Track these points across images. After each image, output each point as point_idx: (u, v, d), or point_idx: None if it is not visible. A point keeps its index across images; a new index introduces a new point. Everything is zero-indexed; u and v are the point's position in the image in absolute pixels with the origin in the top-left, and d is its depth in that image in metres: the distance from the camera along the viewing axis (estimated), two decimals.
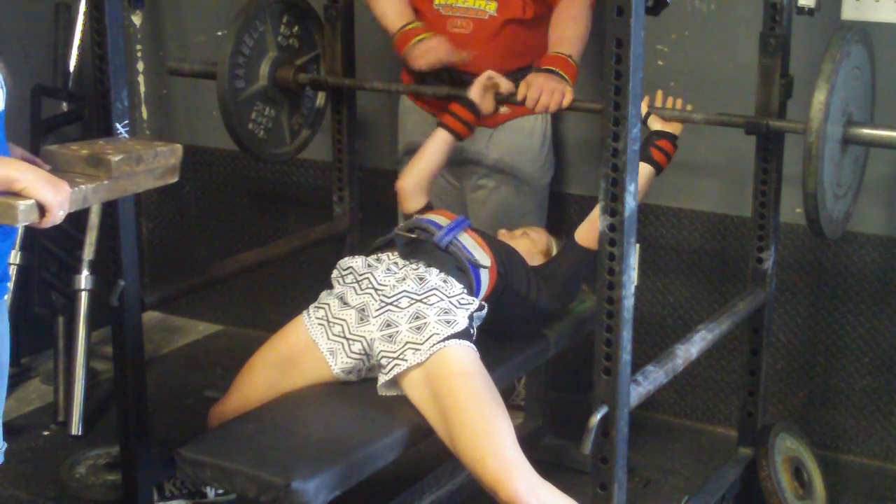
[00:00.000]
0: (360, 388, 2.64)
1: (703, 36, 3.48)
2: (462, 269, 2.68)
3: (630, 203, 2.18)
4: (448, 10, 3.27)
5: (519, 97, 3.07)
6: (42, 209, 1.97)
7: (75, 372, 3.60)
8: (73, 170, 2.23)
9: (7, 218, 1.94)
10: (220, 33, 4.09)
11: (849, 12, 3.25)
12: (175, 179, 2.47)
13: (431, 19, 3.31)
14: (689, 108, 2.95)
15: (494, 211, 3.43)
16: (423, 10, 3.34)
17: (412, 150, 3.50)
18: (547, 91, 3.03)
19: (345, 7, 3.43)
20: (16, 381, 3.89)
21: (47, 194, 1.96)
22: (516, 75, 3.31)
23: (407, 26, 3.25)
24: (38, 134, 3.87)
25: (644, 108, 2.86)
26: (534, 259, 2.99)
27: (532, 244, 3.03)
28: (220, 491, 3.05)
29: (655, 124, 2.91)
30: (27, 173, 1.95)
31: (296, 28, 3.35)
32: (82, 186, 2.17)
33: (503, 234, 3.05)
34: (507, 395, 3.48)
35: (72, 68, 4.01)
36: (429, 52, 3.19)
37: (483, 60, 3.20)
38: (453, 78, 3.28)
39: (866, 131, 2.69)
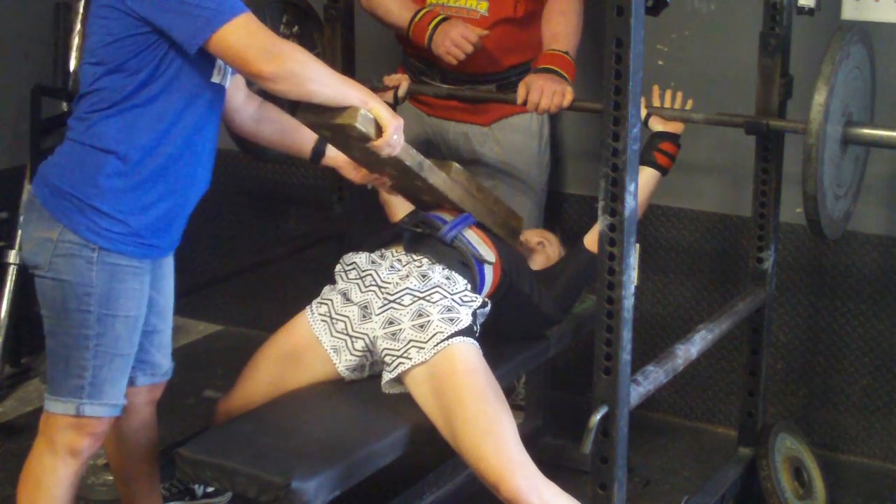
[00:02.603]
0: (359, 388, 2.64)
1: (703, 36, 3.48)
2: (466, 265, 2.68)
3: (630, 203, 2.18)
4: (440, 10, 3.25)
5: (519, 100, 3.07)
6: (379, 130, 2.43)
7: None
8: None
9: (349, 118, 2.40)
10: None
11: (849, 12, 3.25)
12: (512, 242, 2.91)
13: None
14: (689, 103, 2.94)
15: None
16: None
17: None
18: (547, 93, 3.03)
19: (345, 7, 3.43)
20: (16, 381, 3.88)
21: (387, 115, 2.43)
22: (509, 73, 3.31)
23: (417, 16, 3.23)
24: (38, 134, 3.87)
25: (643, 111, 2.86)
26: (536, 264, 2.99)
27: (546, 260, 3.03)
28: (210, 489, 3.05)
29: (657, 125, 2.90)
30: (376, 99, 2.43)
31: (296, 28, 3.35)
32: (423, 158, 2.64)
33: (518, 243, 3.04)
34: (508, 394, 3.48)
35: (72, 68, 4.01)
36: (453, 47, 3.16)
37: (475, 59, 3.19)
38: (446, 78, 3.29)
39: (866, 131, 2.70)
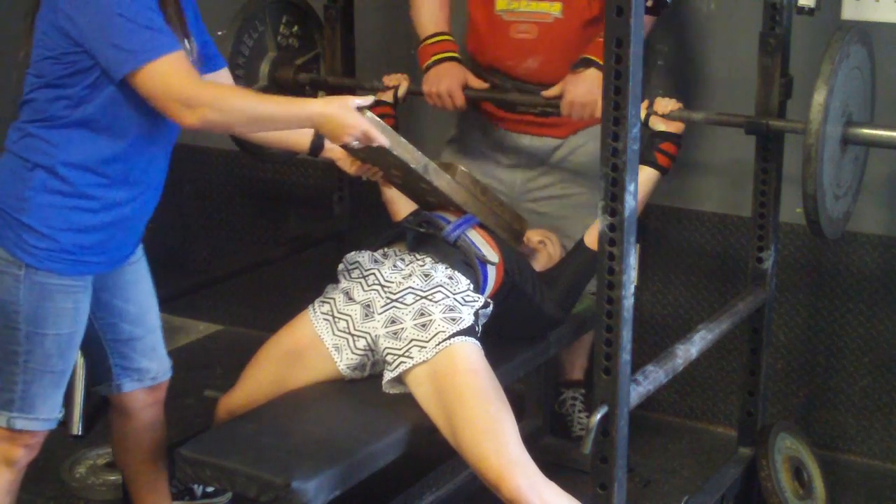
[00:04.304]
0: (360, 388, 2.64)
1: (703, 36, 3.48)
2: (469, 265, 2.68)
3: (630, 203, 2.18)
4: (510, 16, 3.14)
5: (550, 94, 3.04)
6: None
7: (75, 372, 3.59)
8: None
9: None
10: (220, 33, 4.07)
11: (849, 12, 3.25)
12: (516, 245, 2.86)
13: (493, 26, 3.17)
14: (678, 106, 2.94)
15: (558, 219, 3.29)
16: (482, 18, 3.20)
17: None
18: (577, 106, 2.98)
19: (344, 7, 3.44)
20: None
21: (342, 119, 2.29)
22: None
23: (428, 40, 3.19)
24: None
25: (643, 112, 2.86)
26: (539, 264, 2.99)
27: (549, 259, 3.02)
28: (210, 489, 3.05)
29: (658, 125, 2.90)
30: (333, 104, 2.30)
31: (295, 28, 3.36)
32: (428, 161, 2.62)
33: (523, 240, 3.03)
34: (509, 394, 3.47)
35: None
36: (438, 99, 3.15)
37: (550, 66, 3.10)
38: (518, 88, 3.19)
39: (866, 131, 2.69)
